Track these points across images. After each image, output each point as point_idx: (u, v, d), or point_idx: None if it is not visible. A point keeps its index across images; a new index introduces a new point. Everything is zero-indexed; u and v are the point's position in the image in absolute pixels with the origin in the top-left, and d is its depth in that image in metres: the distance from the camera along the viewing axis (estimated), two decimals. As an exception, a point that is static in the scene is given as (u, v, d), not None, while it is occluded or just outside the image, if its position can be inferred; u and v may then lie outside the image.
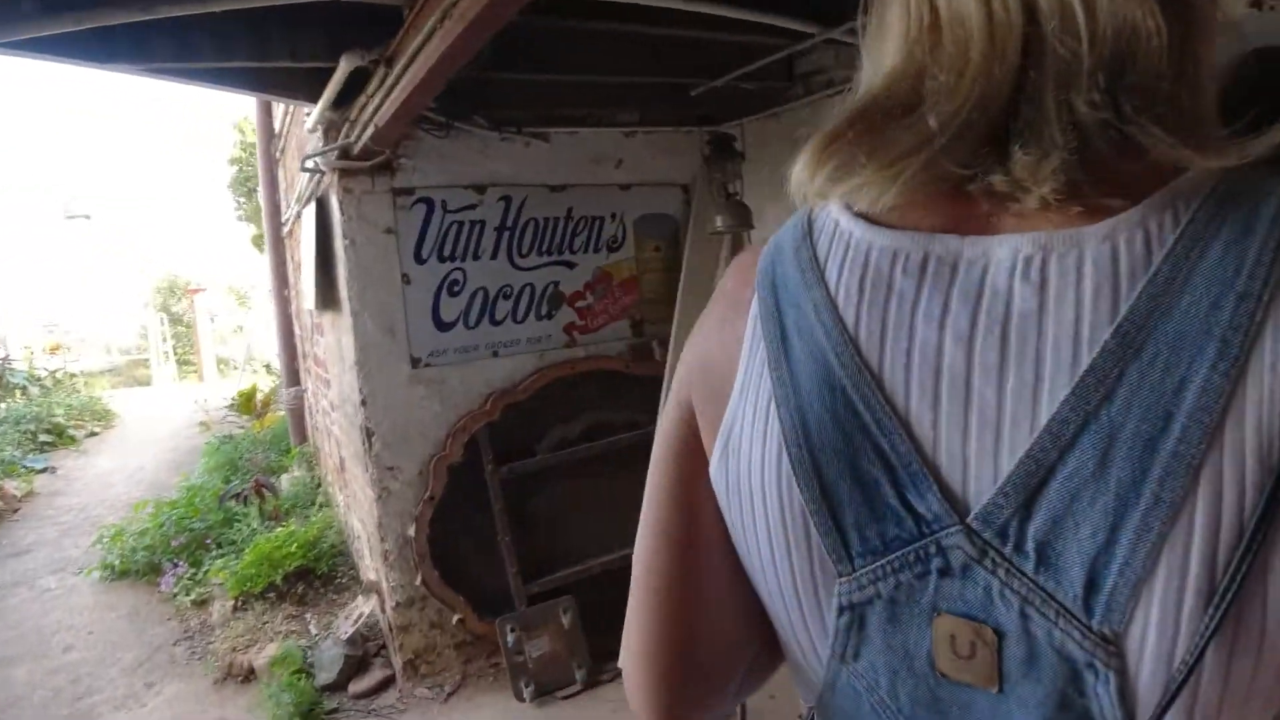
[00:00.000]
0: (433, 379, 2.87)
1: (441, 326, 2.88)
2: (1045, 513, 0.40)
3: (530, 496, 3.02)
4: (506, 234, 2.99)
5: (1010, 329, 0.41)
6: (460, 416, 2.90)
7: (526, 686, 2.82)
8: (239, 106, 9.56)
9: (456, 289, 2.89)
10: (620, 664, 0.60)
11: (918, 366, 0.43)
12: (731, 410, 0.51)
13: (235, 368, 13.54)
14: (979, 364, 0.42)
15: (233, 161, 10.25)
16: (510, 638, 2.85)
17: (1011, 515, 0.41)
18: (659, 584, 0.56)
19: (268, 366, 10.76)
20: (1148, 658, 0.38)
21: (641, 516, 0.58)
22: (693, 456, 0.55)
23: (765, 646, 0.57)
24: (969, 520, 0.42)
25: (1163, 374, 0.37)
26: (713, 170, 3.06)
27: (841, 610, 0.47)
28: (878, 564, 0.45)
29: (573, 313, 3.17)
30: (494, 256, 2.97)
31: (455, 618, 2.91)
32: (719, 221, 2.91)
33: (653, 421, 3.06)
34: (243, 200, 10.23)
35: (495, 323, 2.99)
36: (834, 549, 0.46)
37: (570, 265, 3.15)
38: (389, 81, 2.09)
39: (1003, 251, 0.42)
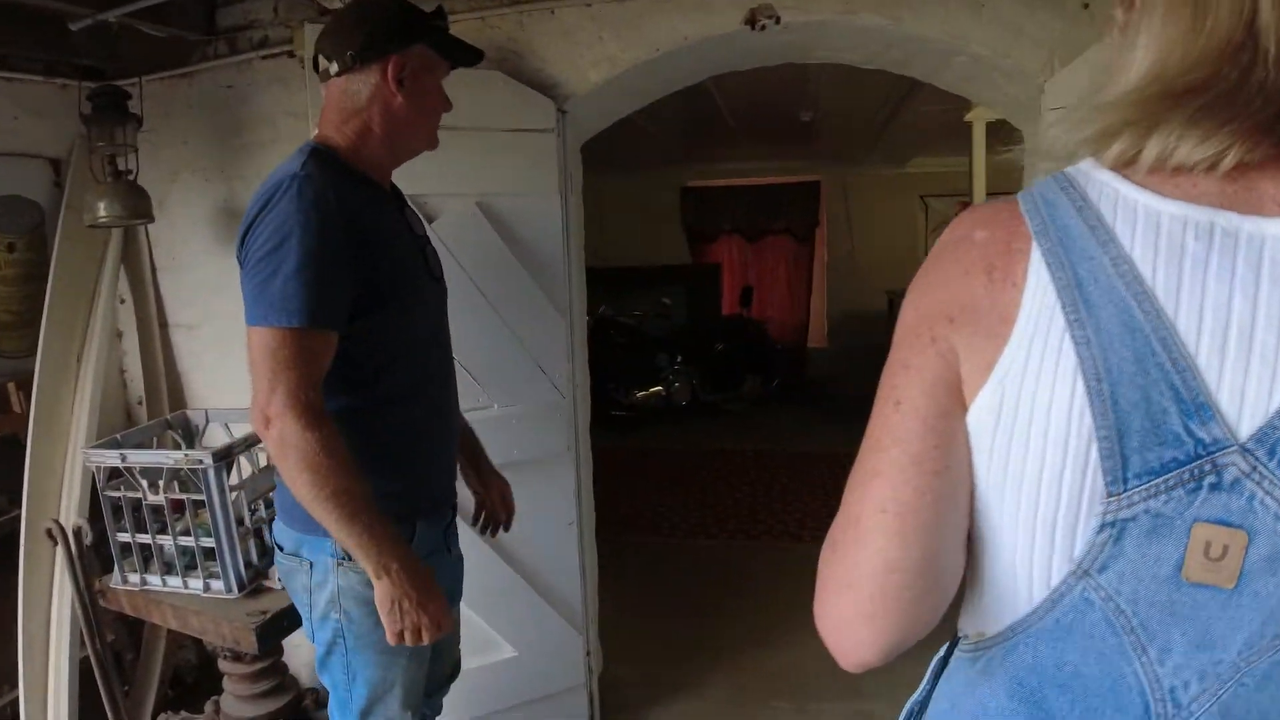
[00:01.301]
0: None
1: None
2: None
3: None
4: None
5: None
6: None
7: None
8: None
9: None
10: (829, 604, 0.70)
11: (1210, 317, 0.56)
12: (1013, 347, 0.60)
13: None
14: (1263, 316, 0.55)
15: None
16: None
17: None
18: (905, 509, 0.64)
19: None
20: None
21: (880, 452, 0.66)
22: (951, 393, 0.64)
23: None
24: (1245, 442, 0.56)
25: None
26: (96, 138, 2.41)
27: (1103, 527, 0.58)
28: (1152, 483, 0.57)
29: None
30: None
31: None
32: (102, 209, 2.29)
33: (16, 504, 2.42)
34: None
35: None
36: (1111, 470, 0.57)
37: None
38: None
39: (1277, 230, 0.56)
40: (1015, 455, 0.61)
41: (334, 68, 1.48)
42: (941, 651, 0.83)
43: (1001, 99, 2.36)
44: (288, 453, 1.31)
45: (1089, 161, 0.63)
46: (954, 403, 0.64)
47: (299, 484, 1.33)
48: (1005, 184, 6.80)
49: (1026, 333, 0.60)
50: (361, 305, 1.42)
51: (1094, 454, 0.57)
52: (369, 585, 1.49)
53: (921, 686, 0.87)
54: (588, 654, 2.66)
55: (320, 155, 1.45)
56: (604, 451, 6.32)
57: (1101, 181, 0.61)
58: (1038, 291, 0.60)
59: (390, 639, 1.41)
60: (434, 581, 1.42)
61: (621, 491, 5.36)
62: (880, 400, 0.67)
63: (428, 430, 1.61)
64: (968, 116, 5.23)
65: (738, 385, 7.56)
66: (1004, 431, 0.61)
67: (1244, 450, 0.56)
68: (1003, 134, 5.37)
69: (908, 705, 0.91)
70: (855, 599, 0.67)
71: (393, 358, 1.51)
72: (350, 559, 1.47)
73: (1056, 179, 0.63)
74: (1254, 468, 0.55)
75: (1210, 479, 0.56)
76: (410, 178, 1.84)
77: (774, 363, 7.71)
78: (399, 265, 1.52)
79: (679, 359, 7.37)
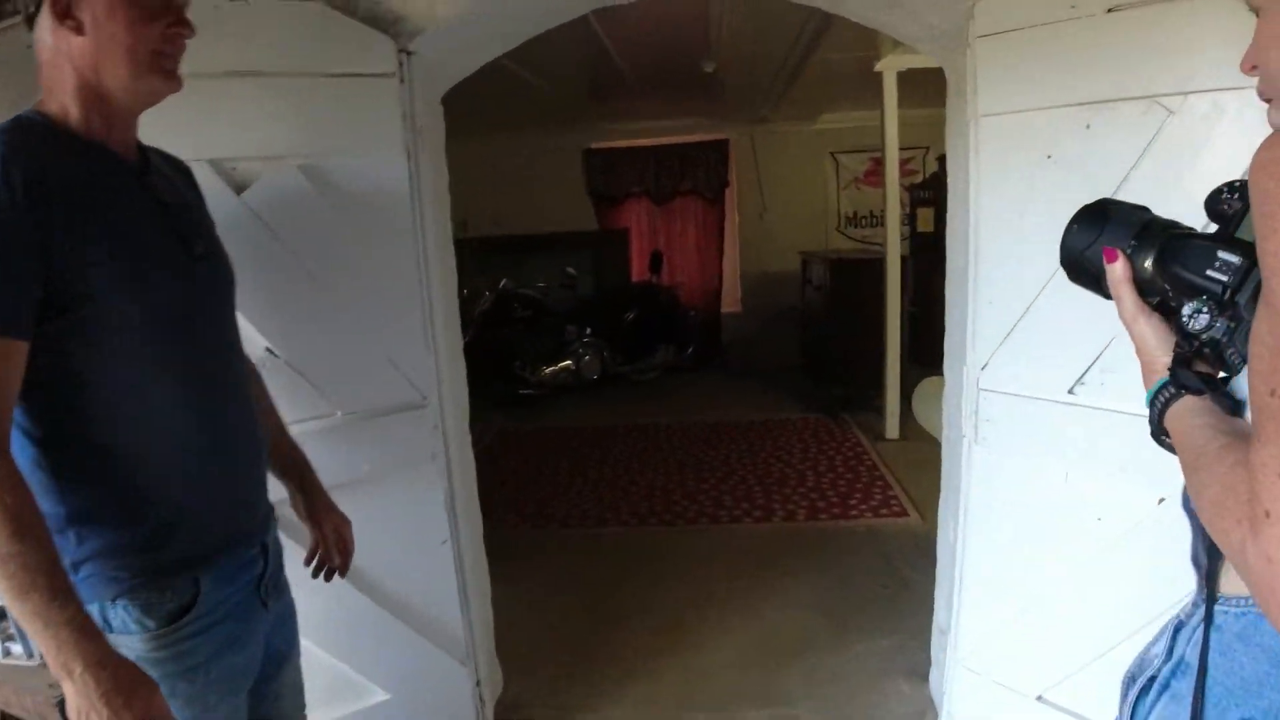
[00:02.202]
0: None
1: None
2: None
3: None
4: None
5: None
6: None
7: None
8: None
9: None
10: None
11: None
12: None
13: None
14: None
15: None
16: None
17: None
18: None
19: None
20: None
21: None
22: None
23: None
24: None
25: None
26: None
27: None
28: None
29: None
30: None
31: None
32: None
33: None
34: None
35: None
36: None
37: None
38: None
39: None
40: None
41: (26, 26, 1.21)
42: (1193, 614, 0.83)
43: (920, 30, 2.05)
44: None
45: None
46: None
47: None
48: (917, 137, 6.61)
49: None
50: (62, 300, 1.08)
51: None
52: (145, 649, 1.19)
53: (1161, 650, 0.86)
54: (477, 684, 2.32)
55: (20, 126, 1.14)
56: (510, 435, 5.99)
57: None
58: None
59: None
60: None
61: (527, 478, 5.02)
62: None
63: (193, 454, 1.24)
64: (878, 66, 4.98)
65: (650, 355, 7.25)
66: None
67: None
68: (913, 84, 5.14)
69: (1150, 670, 0.88)
70: None
71: (122, 363, 1.16)
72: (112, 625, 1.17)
73: None
74: None
75: None
76: (213, 138, 1.51)
77: (687, 330, 7.43)
78: (126, 245, 1.16)
79: (588, 331, 7.01)
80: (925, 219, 6.76)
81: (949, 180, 2.21)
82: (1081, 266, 0.93)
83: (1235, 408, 0.78)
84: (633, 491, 4.68)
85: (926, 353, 6.15)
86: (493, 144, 7.94)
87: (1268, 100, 0.76)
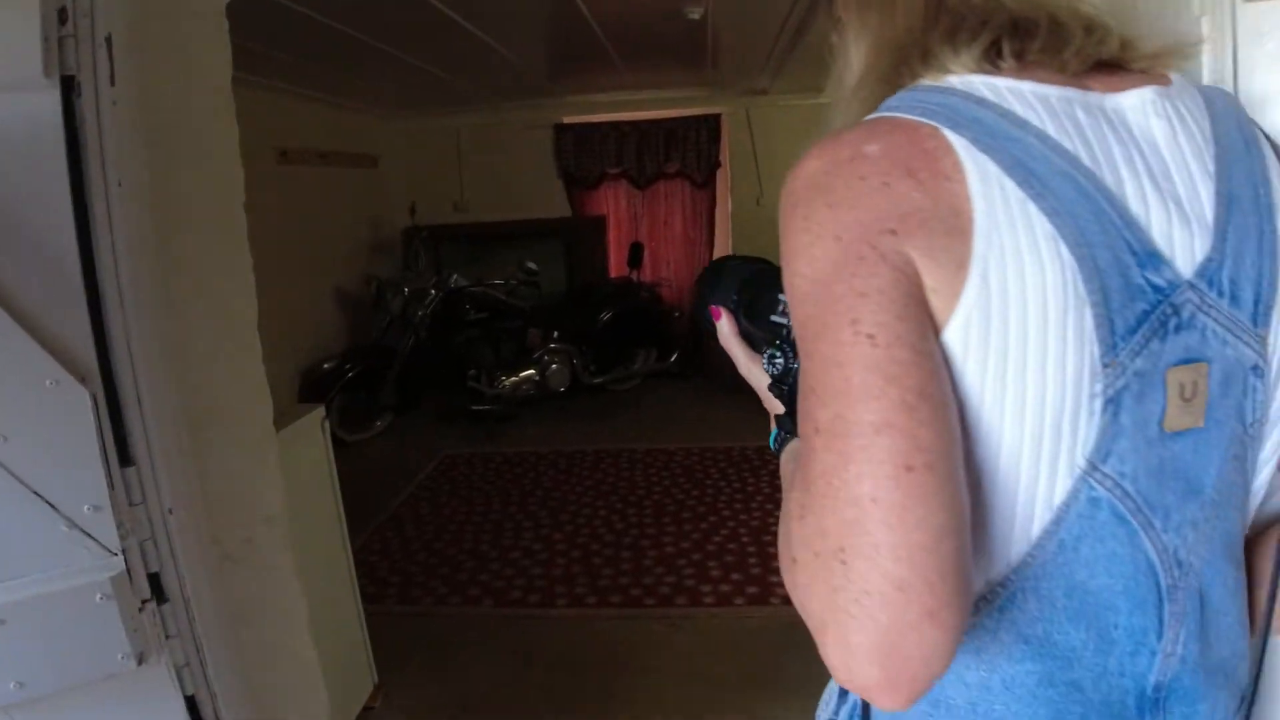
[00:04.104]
0: None
1: None
2: (1230, 260, 0.61)
3: None
4: None
5: (1160, 149, 0.62)
6: None
7: None
8: None
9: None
10: (863, 630, 0.51)
11: (1126, 173, 0.60)
12: (982, 234, 0.56)
13: None
14: (1163, 165, 0.62)
15: None
16: None
17: (1218, 266, 0.60)
18: (935, 457, 0.53)
19: None
20: (1275, 348, 0.63)
21: (873, 399, 0.54)
22: (923, 309, 0.57)
23: None
24: (1190, 279, 0.60)
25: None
26: None
27: (1106, 404, 0.57)
28: (1133, 341, 0.58)
29: None
30: None
31: None
32: None
33: None
34: None
35: None
36: (1104, 338, 0.57)
37: None
38: None
39: (1131, 100, 0.63)
40: (1014, 351, 0.57)
41: None
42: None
43: None
44: None
45: (937, 79, 0.64)
46: (927, 319, 0.57)
47: None
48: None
49: (991, 217, 0.57)
50: None
51: (1088, 322, 0.57)
52: None
53: (832, 701, 0.80)
54: None
55: None
56: (457, 463, 5.05)
57: (976, 80, 0.62)
58: (983, 177, 0.58)
59: None
60: None
61: (467, 528, 4.08)
62: (835, 343, 0.56)
63: None
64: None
65: (628, 363, 6.31)
66: (998, 329, 0.57)
67: (1192, 286, 0.60)
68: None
69: None
70: (914, 599, 0.50)
71: None
72: None
73: (925, 90, 0.63)
74: (1202, 299, 0.60)
75: (1174, 321, 0.59)
76: None
77: (671, 334, 6.48)
78: None
79: (555, 335, 6.06)
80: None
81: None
82: (704, 328, 0.95)
83: None
84: (594, 551, 3.75)
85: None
86: (453, 120, 6.97)
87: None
